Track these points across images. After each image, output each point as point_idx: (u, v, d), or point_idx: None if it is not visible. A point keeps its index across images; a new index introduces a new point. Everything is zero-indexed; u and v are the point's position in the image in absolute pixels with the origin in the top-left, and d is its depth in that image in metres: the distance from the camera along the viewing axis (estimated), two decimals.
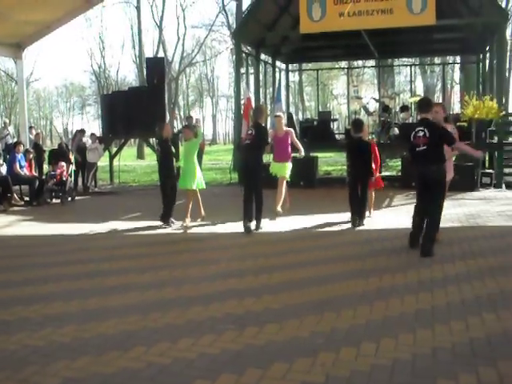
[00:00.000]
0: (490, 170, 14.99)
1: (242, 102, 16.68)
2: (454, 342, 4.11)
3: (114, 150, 19.33)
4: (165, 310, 4.95)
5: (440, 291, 5.39)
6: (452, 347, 4.01)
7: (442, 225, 8.02)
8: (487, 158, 15.46)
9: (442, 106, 8.12)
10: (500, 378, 3.51)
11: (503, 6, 32.19)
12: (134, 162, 32.64)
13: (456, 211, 10.33)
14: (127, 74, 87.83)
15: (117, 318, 4.78)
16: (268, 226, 9.05)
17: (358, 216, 8.89)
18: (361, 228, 8.84)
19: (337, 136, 20.38)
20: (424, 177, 7.05)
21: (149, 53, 51.46)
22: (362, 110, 20.62)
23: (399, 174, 15.82)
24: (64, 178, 13.39)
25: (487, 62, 19.01)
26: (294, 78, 39.51)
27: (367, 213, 9.43)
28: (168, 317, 4.78)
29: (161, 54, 48.04)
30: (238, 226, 8.94)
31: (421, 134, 6.95)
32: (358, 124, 9.37)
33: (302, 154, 10.12)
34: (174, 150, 9.91)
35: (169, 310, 4.95)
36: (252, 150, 8.96)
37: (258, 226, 8.90)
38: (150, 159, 32.20)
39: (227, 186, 16.57)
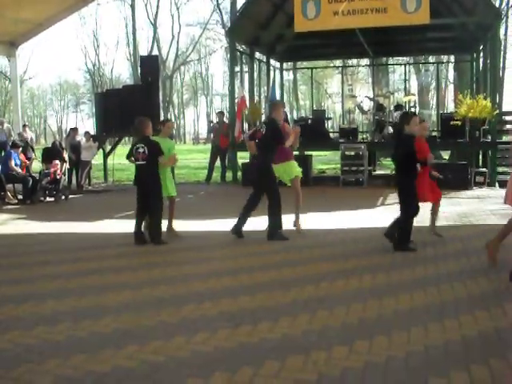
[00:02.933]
0: (484, 169, 15.05)
1: (236, 100, 16.67)
2: (447, 339, 4.12)
3: (109, 148, 19.30)
4: (158, 309, 4.95)
5: (433, 289, 5.40)
6: (445, 345, 4.02)
7: (436, 223, 8.09)
8: (481, 157, 15.49)
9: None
10: (492, 376, 3.53)
11: (497, 5, 32.34)
12: None
13: (449, 210, 10.35)
14: (122, 72, 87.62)
15: (110, 316, 4.77)
16: (261, 224, 9.05)
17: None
18: (354, 227, 8.85)
19: (331, 135, 20.42)
20: None
21: (143, 51, 51.49)
22: (356, 108, 20.65)
23: (393, 172, 15.83)
24: (58, 177, 13.35)
25: (481, 60, 19.05)
26: (288, 76, 39.62)
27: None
28: (161, 315, 4.78)
29: (155, 53, 48.08)
30: (230, 224, 8.95)
31: None
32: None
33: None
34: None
35: (162, 309, 4.94)
36: (261, 150, 8.17)
37: (271, 233, 7.97)
38: None
39: (219, 184, 16.58)
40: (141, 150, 7.69)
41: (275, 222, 7.95)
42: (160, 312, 4.86)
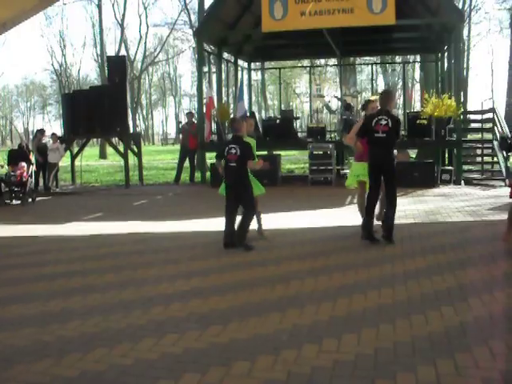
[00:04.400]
0: (450, 167, 15.27)
1: (205, 101, 16.63)
2: (414, 335, 4.18)
3: (76, 149, 19.09)
4: (126, 311, 4.91)
5: (401, 286, 5.47)
6: (412, 341, 4.08)
7: (403, 221, 8.19)
8: (447, 156, 15.71)
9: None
10: (457, 370, 3.59)
11: (460, 6, 32.85)
12: (97, 161, 32.32)
13: (416, 207, 10.49)
14: (89, 73, 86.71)
15: (78, 319, 4.72)
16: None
17: None
18: (322, 225, 8.90)
19: (299, 134, 20.51)
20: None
21: (111, 51, 51.00)
22: (324, 108, 20.78)
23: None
24: (24, 179, 13.14)
25: (445, 60, 19.33)
26: (256, 76, 39.59)
27: None
28: (129, 317, 4.74)
29: (123, 53, 47.62)
30: (198, 225, 8.93)
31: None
32: None
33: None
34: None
35: (130, 311, 4.91)
36: (384, 145, 7.38)
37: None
38: (113, 159, 31.93)
39: (188, 185, 16.53)
40: (233, 151, 7.35)
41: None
42: (128, 314, 4.82)
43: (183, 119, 18.77)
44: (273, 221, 8.78)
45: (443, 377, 3.50)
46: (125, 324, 4.58)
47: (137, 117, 58.35)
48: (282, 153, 17.23)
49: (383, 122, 7.26)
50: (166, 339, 4.21)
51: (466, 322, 4.46)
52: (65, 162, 18.40)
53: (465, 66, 37.63)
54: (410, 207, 10.59)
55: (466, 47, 38.33)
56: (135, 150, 16.93)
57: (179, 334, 4.32)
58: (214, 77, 19.76)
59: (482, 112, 17.34)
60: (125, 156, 16.14)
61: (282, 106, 35.84)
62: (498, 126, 16.40)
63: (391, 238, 7.39)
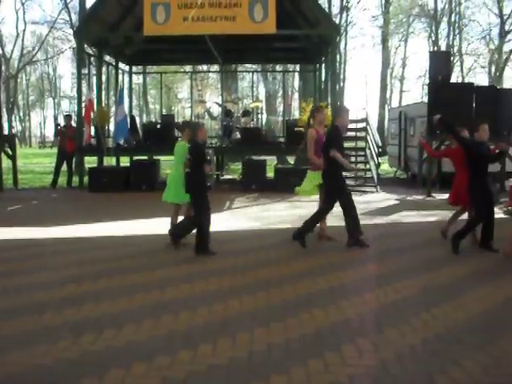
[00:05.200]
0: None
1: (84, 103, 16.18)
2: (288, 338, 4.32)
3: None
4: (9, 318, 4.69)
5: (276, 290, 5.62)
6: (286, 343, 4.21)
7: (280, 226, 8.37)
8: None
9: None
10: (326, 368, 3.76)
11: (337, 21, 34.32)
12: None
13: (294, 212, 10.79)
14: None
15: None
16: (100, 229, 8.88)
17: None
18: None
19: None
20: None
21: None
22: (205, 114, 20.88)
23: (240, 177, 16.19)
24: None
25: (323, 71, 20.08)
26: (138, 80, 39.05)
27: None
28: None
29: None
30: (71, 231, 8.70)
31: None
32: None
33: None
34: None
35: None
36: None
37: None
38: None
39: (65, 189, 15.99)
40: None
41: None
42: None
43: (62, 122, 18.09)
44: (141, 226, 8.68)
45: (313, 375, 3.65)
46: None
47: (13, 118, 55.57)
48: (164, 158, 17.06)
49: None
50: (36, 350, 4.05)
51: (335, 322, 4.68)
52: None
53: (341, 77, 39.34)
54: (287, 212, 10.90)
55: (342, 59, 40.07)
56: (10, 152, 16.12)
57: (50, 343, 4.18)
58: (94, 79, 19.21)
59: (356, 121, 18.17)
60: None
61: (164, 110, 35.51)
62: (371, 135, 17.28)
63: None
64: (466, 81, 36.86)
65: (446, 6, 38.83)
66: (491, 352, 4.05)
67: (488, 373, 3.73)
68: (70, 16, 36.78)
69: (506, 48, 37.69)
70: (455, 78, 37.42)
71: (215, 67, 28.62)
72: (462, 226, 7.44)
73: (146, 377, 3.63)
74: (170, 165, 24.82)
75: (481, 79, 40.37)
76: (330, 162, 7.61)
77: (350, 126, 18.41)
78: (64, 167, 16.49)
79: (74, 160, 16.80)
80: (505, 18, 37.70)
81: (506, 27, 37.67)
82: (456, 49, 38.94)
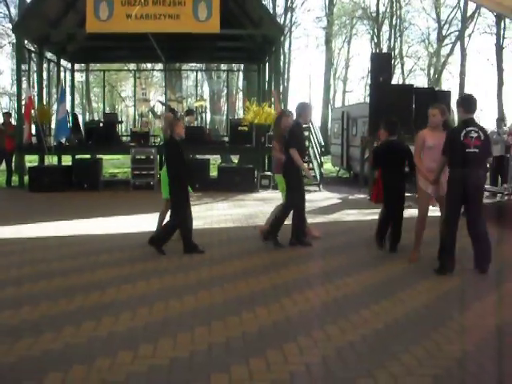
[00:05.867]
0: (269, 173, 15.92)
1: (24, 101, 15.76)
2: (229, 336, 4.33)
3: None
4: None
5: (217, 289, 5.62)
6: (227, 342, 4.22)
7: (223, 225, 8.39)
8: (266, 161, 16.38)
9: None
10: (267, 366, 3.79)
11: (281, 21, 34.59)
12: None
13: (237, 211, 10.82)
14: None
15: None
16: (40, 230, 8.69)
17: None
18: (141, 230, 8.81)
19: (124, 138, 20.24)
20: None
21: None
22: (149, 112, 20.70)
23: None
24: None
25: (267, 71, 20.19)
26: (81, 78, 38.29)
27: None
28: None
29: None
30: (15, 231, 8.48)
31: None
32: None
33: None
34: None
35: None
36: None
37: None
38: None
39: (5, 189, 15.55)
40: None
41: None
42: None
43: (1, 119, 17.58)
44: (87, 226, 8.54)
45: (255, 374, 3.67)
46: None
47: None
48: (107, 157, 16.82)
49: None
50: None
51: (278, 321, 4.71)
52: None
53: (285, 76, 39.60)
54: (231, 211, 10.91)
55: (286, 59, 40.37)
56: None
57: None
58: (35, 76, 18.74)
59: None
60: None
61: (108, 109, 34.96)
62: (314, 134, 17.49)
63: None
64: (407, 82, 37.76)
65: (388, 9, 39.61)
66: (426, 345, 4.17)
67: (423, 365, 3.84)
68: (8, 9, 35.66)
69: (444, 52, 38.81)
70: (396, 79, 38.24)
71: (159, 65, 28.35)
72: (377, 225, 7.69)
73: (85, 380, 3.59)
74: (113, 164, 24.52)
75: (420, 81, 41.28)
76: (290, 159, 7.63)
77: None
78: (3, 166, 16.05)
79: (13, 158, 16.38)
80: (442, 23, 38.83)
81: (444, 32, 38.83)
82: (397, 51, 39.79)
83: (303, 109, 7.99)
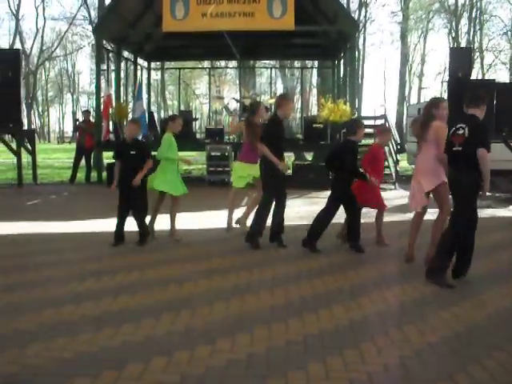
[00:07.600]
0: None
1: (102, 99, 16.26)
2: (306, 334, 4.31)
3: None
4: (14, 315, 4.71)
5: (293, 287, 5.61)
6: (304, 339, 4.20)
7: (298, 222, 8.35)
8: None
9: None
10: (345, 365, 3.75)
11: (355, 17, 34.14)
12: None
13: (311, 209, 10.75)
14: None
15: None
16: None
17: None
18: (218, 227, 8.90)
19: (198, 135, 20.52)
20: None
21: (4, 43, 48.66)
22: (223, 110, 20.88)
23: None
24: None
25: (341, 67, 19.99)
26: (156, 76, 39.16)
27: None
28: (18, 322, 4.55)
29: (18, 46, 45.66)
30: (93, 225, 8.74)
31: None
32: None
33: None
34: None
35: (19, 315, 4.71)
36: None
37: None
38: (6, 157, 30.49)
39: (84, 185, 16.07)
40: None
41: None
42: (16, 319, 4.62)
43: (80, 117, 18.19)
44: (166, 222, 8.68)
45: (332, 373, 3.64)
46: (11, 329, 4.39)
47: (32, 113, 55.99)
48: (180, 153, 17.06)
49: None
50: (56, 343, 4.08)
51: (354, 319, 4.66)
52: None
53: (360, 73, 39.13)
54: (305, 208, 10.87)
55: (361, 56, 39.86)
56: (29, 147, 16.24)
57: (71, 337, 4.20)
58: (112, 75, 19.30)
59: (375, 118, 18.09)
60: (17, 154, 15.47)
61: (182, 106, 35.57)
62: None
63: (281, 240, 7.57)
64: (487, 77, 36.50)
65: (467, 2, 38.44)
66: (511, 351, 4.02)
67: (509, 371, 3.69)
68: (88, 12, 36.95)
69: None
70: (475, 74, 37.06)
71: (233, 63, 28.56)
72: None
73: (164, 372, 3.64)
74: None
75: (502, 76, 39.90)
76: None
77: (369, 122, 18.42)
78: (82, 162, 16.58)
79: (92, 155, 16.89)
80: None
81: None
82: (476, 45, 38.56)
83: (284, 100, 7.60)
